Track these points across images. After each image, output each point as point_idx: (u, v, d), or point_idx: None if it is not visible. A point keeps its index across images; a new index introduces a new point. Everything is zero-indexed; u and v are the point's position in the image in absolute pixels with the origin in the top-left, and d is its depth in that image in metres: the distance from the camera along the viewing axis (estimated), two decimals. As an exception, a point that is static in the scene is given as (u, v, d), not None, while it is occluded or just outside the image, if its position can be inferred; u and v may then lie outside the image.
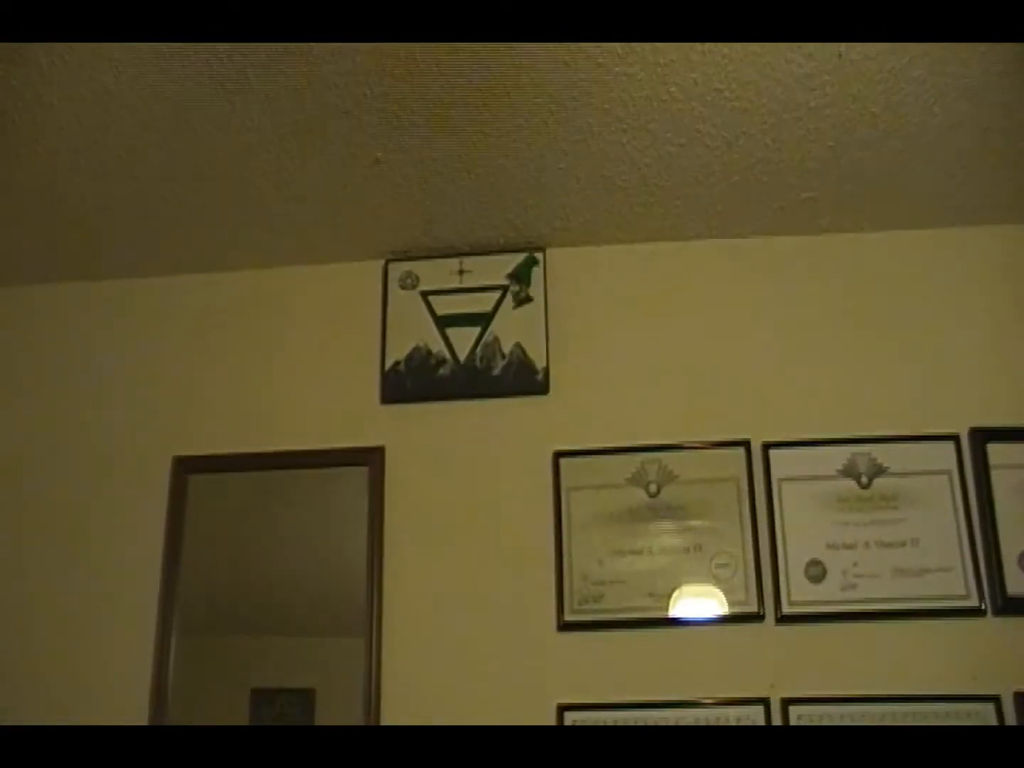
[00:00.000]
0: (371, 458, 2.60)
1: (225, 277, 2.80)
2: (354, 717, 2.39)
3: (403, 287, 2.73)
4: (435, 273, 2.72)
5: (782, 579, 2.44)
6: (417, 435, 2.63)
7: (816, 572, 2.42)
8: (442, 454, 2.61)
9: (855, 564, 2.42)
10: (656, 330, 2.66)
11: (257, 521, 2.56)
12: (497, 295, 2.70)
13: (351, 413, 2.66)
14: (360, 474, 2.59)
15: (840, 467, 2.50)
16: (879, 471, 2.49)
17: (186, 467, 2.65)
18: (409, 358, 2.68)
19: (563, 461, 2.56)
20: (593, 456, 2.56)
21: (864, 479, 2.47)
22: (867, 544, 2.43)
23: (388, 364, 2.68)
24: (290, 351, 2.75)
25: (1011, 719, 2.24)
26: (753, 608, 2.44)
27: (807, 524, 2.46)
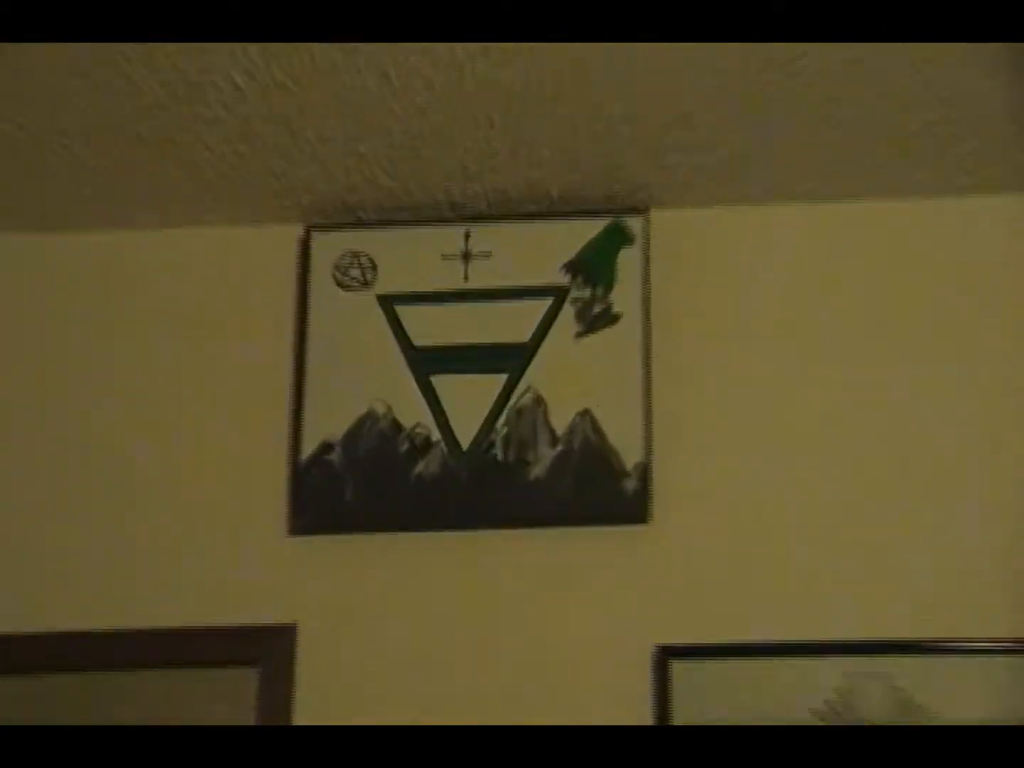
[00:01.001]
0: (268, 648, 1.84)
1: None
2: None
3: (343, 284, 1.86)
4: (412, 255, 1.87)
5: None
6: (366, 603, 1.84)
7: None
8: (419, 647, 1.87)
9: None
10: (878, 381, 1.81)
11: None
12: (544, 306, 1.81)
13: (230, 555, 1.87)
14: (243, 679, 1.83)
15: None
16: None
17: None
18: (351, 437, 1.80)
19: (676, 667, 1.77)
20: (740, 660, 1.75)
21: None
22: None
23: (306, 451, 1.81)
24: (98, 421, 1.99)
25: None
26: None
27: None
